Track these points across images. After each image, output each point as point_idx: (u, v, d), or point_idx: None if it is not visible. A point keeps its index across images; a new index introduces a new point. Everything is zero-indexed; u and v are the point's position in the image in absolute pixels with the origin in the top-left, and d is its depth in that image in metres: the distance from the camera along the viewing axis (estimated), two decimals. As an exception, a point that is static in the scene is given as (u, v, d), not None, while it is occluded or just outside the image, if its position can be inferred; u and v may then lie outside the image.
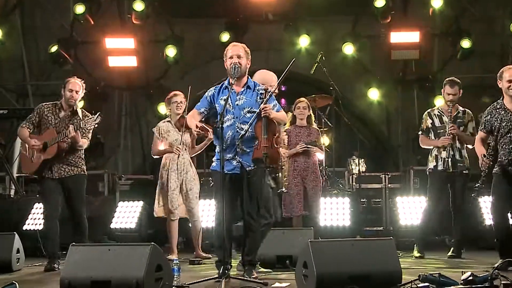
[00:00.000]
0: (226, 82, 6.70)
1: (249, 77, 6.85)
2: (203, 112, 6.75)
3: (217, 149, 6.71)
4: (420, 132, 8.64)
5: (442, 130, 8.34)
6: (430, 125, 8.49)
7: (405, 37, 12.93)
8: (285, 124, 8.03)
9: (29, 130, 7.92)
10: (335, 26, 13.27)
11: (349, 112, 12.12)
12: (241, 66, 6.63)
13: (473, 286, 5.53)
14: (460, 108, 8.50)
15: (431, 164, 8.44)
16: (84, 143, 7.97)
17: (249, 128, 6.56)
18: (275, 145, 6.75)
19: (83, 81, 8.04)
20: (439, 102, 11.80)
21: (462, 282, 5.63)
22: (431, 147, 8.47)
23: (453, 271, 6.78)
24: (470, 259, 8.37)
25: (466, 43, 12.95)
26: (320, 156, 9.40)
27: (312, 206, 8.89)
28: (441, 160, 8.30)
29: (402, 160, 14.06)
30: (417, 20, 13.13)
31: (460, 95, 8.34)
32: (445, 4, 12.86)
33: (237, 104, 6.63)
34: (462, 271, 5.83)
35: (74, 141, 7.82)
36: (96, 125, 7.76)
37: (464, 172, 8.28)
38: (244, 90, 6.70)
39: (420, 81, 13.61)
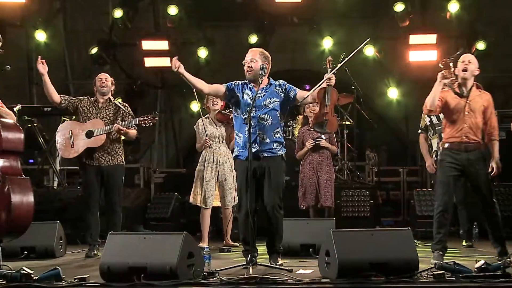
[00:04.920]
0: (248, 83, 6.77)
1: (270, 78, 6.84)
2: (226, 89, 6.75)
3: (238, 139, 6.74)
4: (419, 131, 8.55)
5: (440, 127, 7.89)
6: (428, 123, 8.40)
7: (423, 39, 12.87)
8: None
9: (61, 97, 7.98)
10: (356, 29, 13.20)
11: (369, 110, 12.09)
12: (253, 70, 6.65)
13: (487, 273, 5.52)
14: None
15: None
16: (134, 134, 8.06)
17: (270, 110, 6.64)
18: (334, 114, 6.84)
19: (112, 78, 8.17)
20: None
21: (476, 270, 5.62)
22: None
23: (467, 260, 6.75)
24: (484, 248, 8.33)
25: (481, 45, 12.90)
26: (334, 150, 9.20)
27: (327, 196, 8.74)
28: None
29: (419, 155, 13.97)
30: (434, 24, 13.05)
31: None
32: (461, 8, 12.81)
33: (258, 98, 6.64)
34: (476, 260, 5.81)
35: (125, 134, 7.93)
36: (150, 123, 7.89)
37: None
38: (265, 87, 6.72)
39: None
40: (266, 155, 6.63)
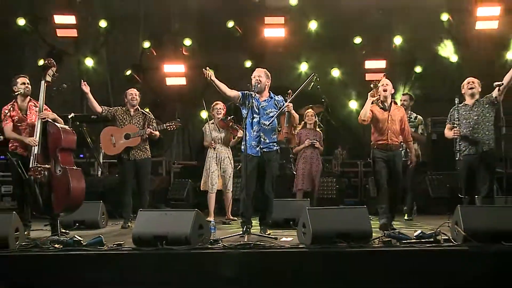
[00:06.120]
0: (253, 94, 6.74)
1: (271, 92, 6.87)
2: (240, 94, 6.76)
3: (243, 140, 6.72)
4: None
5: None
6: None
7: (375, 64, 12.93)
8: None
9: (102, 107, 8.00)
10: (326, 56, 13.21)
11: (335, 117, 12.08)
12: (260, 83, 6.67)
13: (422, 240, 5.53)
14: (413, 114, 8.45)
15: None
16: (158, 135, 8.06)
17: (270, 122, 6.67)
18: (293, 132, 7.14)
19: (139, 92, 8.17)
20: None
21: (414, 237, 5.63)
22: None
23: (408, 230, 6.76)
24: (420, 221, 8.35)
25: (418, 69, 13.09)
26: (321, 150, 9.29)
27: (316, 183, 8.90)
28: None
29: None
30: (384, 52, 13.09)
31: (411, 104, 8.43)
32: (404, 41, 12.96)
33: (262, 107, 6.71)
34: (415, 230, 5.82)
35: (153, 136, 7.94)
36: (174, 127, 7.86)
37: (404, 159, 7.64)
38: (267, 99, 6.75)
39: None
40: (265, 150, 6.69)
